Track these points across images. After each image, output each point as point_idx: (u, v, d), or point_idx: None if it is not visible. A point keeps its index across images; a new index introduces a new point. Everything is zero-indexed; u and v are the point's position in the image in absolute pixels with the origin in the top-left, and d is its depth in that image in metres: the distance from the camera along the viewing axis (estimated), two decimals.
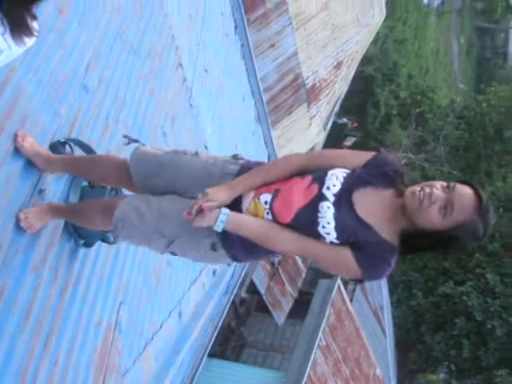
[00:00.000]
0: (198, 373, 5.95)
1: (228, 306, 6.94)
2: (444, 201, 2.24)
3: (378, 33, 17.14)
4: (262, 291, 11.16)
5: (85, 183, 3.17)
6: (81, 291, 3.23)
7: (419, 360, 18.53)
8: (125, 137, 2.95)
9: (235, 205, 2.46)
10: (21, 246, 2.73)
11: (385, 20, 15.93)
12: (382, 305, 16.41)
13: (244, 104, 7.61)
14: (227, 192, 2.45)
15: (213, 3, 6.72)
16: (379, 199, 2.37)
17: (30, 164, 2.83)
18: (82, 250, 3.24)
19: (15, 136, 2.75)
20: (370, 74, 21.33)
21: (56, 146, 3.02)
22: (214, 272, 6.07)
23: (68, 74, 3.27)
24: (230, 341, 13.02)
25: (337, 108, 15.10)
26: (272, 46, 11.44)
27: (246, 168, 2.56)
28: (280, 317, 11.82)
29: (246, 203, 2.46)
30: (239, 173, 2.55)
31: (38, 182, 2.91)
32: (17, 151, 2.76)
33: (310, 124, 12.92)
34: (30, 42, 2.05)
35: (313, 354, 9.99)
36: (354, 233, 2.32)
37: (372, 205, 2.36)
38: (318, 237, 2.35)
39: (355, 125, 21.15)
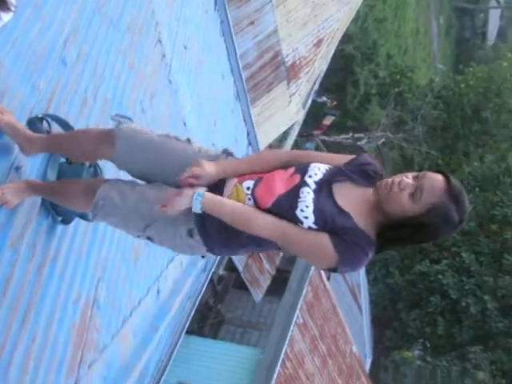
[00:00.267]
0: (176, 350, 5.97)
1: (206, 284, 6.95)
2: (413, 187, 2.28)
3: (358, 11, 17.08)
4: (240, 268, 11.17)
5: (62, 159, 3.14)
6: (59, 268, 3.21)
7: (395, 337, 18.75)
8: (114, 117, 2.84)
9: (216, 191, 2.47)
10: None
11: None
12: (359, 283, 16.56)
13: (223, 81, 7.56)
14: (217, 168, 2.48)
15: None
16: (358, 194, 2.40)
17: (6, 141, 2.80)
18: (60, 227, 3.22)
19: None
20: (350, 52, 21.29)
21: (34, 122, 2.98)
22: None
23: (46, 48, 3.23)
24: (208, 318, 13.07)
25: (316, 86, 15.05)
26: (252, 23, 11.34)
27: None
28: (258, 294, 11.86)
29: (228, 190, 2.46)
30: None
31: (15, 159, 2.88)
32: None
33: (290, 102, 12.88)
34: (6, 17, 2.02)
35: (290, 332, 10.07)
36: (332, 219, 2.33)
37: (351, 197, 2.39)
38: (296, 221, 2.36)
39: (334, 103, 21.14)
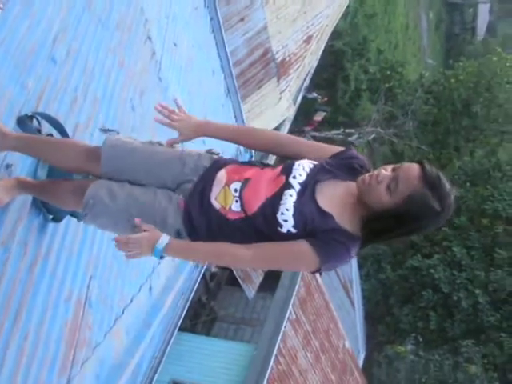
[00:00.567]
0: (169, 347, 5.98)
1: (198, 281, 6.95)
2: (390, 179, 2.26)
3: (347, 7, 17.09)
4: None
5: None
6: (50, 266, 3.21)
7: (387, 332, 18.80)
8: (102, 129, 2.90)
9: (204, 192, 2.47)
10: None
11: None
12: (352, 278, 16.59)
13: (213, 78, 7.55)
14: (198, 124, 2.55)
15: None
16: (341, 190, 2.39)
17: None
18: (52, 225, 3.22)
19: None
20: (340, 48, 21.28)
21: (23, 120, 2.97)
22: None
23: (35, 46, 3.22)
24: (201, 315, 13.07)
25: (307, 82, 15.06)
26: (241, 19, 11.34)
27: (218, 164, 2.56)
28: (250, 290, 11.88)
29: (216, 192, 2.46)
30: (211, 166, 2.55)
31: (5, 157, 2.87)
32: None
33: (280, 98, 12.89)
34: None
35: (283, 327, 10.09)
36: (311, 219, 2.32)
37: (334, 196, 2.38)
38: (277, 225, 2.34)
39: (325, 99, 21.14)
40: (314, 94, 20.45)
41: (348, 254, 2.33)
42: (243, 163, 2.59)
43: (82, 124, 3.61)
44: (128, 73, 4.58)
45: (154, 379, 5.31)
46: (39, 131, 3.04)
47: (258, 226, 2.38)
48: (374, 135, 22.21)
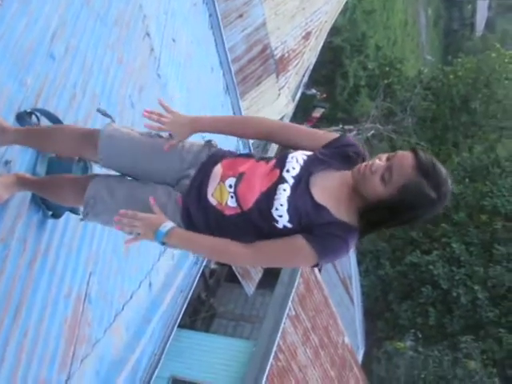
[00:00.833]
0: (169, 343, 5.98)
1: (198, 277, 6.95)
2: (384, 169, 2.22)
3: (346, 3, 17.07)
4: None
5: (52, 154, 3.13)
6: (50, 262, 3.21)
7: (387, 328, 18.82)
8: (99, 110, 2.88)
9: (201, 187, 2.46)
10: None
11: None
12: (351, 274, 16.60)
13: (212, 75, 7.55)
14: (192, 120, 2.52)
15: None
16: (336, 180, 2.36)
17: None
18: (51, 221, 3.22)
19: None
20: (339, 44, 21.28)
21: (22, 117, 2.97)
22: None
23: (34, 42, 3.21)
24: (200, 312, 13.08)
25: (305, 79, 15.06)
26: (240, 16, 11.33)
27: (215, 157, 2.54)
28: (250, 287, 11.89)
29: (212, 188, 2.45)
30: (208, 161, 2.53)
31: (5, 154, 2.87)
32: None
33: (279, 95, 12.87)
34: None
35: (282, 324, 10.10)
36: (306, 213, 2.30)
37: (328, 187, 2.35)
38: (272, 220, 2.33)
39: (324, 96, 21.13)
40: (313, 91, 20.44)
41: (346, 246, 2.31)
42: (240, 155, 2.56)
43: (81, 120, 3.61)
44: (127, 69, 4.58)
45: (154, 375, 5.32)
46: None
47: (255, 221, 2.37)
48: (372, 131, 22.22)
